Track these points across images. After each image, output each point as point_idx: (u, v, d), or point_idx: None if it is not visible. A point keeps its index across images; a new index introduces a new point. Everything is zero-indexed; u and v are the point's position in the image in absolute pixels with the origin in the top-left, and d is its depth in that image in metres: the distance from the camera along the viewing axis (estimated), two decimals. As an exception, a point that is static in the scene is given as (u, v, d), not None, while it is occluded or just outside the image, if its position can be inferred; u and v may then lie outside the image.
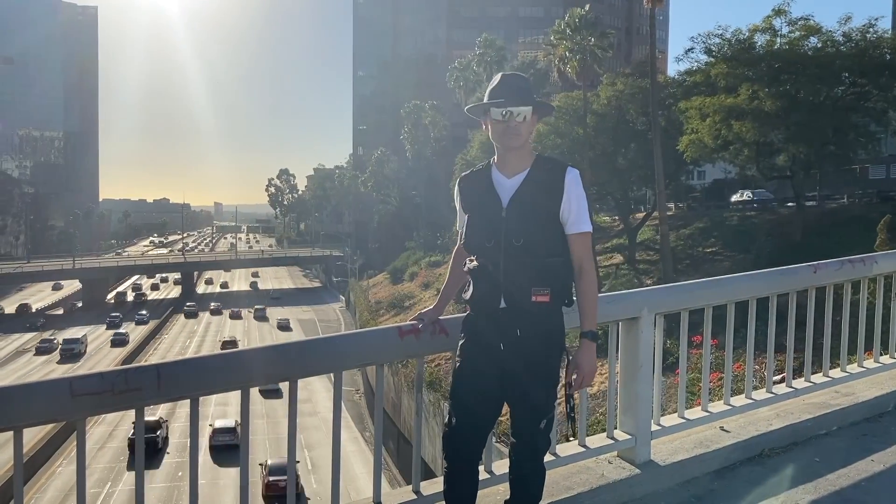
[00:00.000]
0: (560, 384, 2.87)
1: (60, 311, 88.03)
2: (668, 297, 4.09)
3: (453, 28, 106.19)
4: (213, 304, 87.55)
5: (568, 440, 3.78)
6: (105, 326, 73.62)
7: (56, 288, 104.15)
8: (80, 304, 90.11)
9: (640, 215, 43.11)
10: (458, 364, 2.91)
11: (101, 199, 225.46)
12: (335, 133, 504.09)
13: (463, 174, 3.05)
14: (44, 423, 2.71)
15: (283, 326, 72.20)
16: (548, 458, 3.22)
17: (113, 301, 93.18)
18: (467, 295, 2.85)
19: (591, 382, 2.86)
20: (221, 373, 2.82)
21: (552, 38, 39.78)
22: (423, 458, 3.20)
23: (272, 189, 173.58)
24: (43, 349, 60.92)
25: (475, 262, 2.81)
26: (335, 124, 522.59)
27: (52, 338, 63.82)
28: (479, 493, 3.00)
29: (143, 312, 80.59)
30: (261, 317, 78.19)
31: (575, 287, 2.85)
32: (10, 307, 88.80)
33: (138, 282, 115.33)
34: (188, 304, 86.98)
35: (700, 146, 31.07)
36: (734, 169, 44.26)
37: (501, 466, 3.34)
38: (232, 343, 56.25)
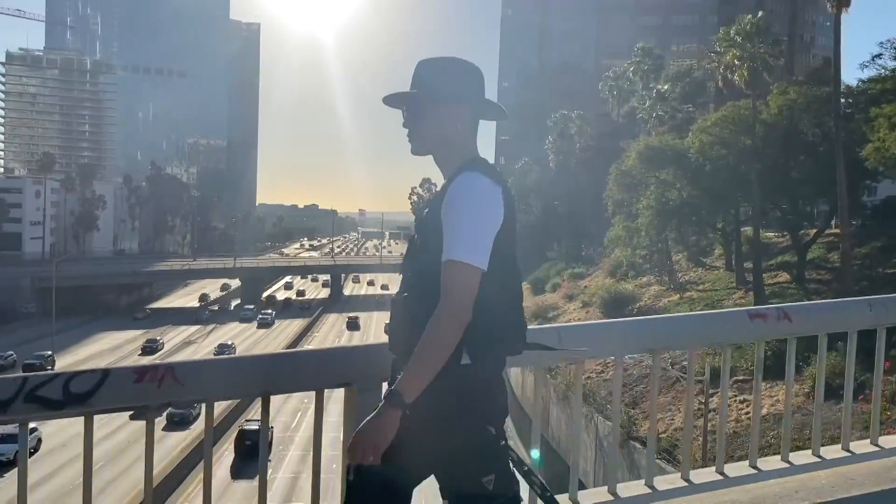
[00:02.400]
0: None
1: (225, 307, 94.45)
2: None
3: (603, 37, 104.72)
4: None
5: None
6: (255, 324, 78.23)
7: (224, 289, 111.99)
8: (236, 302, 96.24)
9: (811, 231, 40.56)
10: None
11: (257, 204, 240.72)
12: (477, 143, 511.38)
13: None
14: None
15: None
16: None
17: (264, 300, 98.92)
18: None
19: (359, 457, 1.94)
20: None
21: (717, 45, 38.29)
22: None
23: (414, 197, 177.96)
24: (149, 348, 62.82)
25: None
26: (478, 134, 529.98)
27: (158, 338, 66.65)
28: None
29: (269, 311, 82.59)
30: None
31: None
32: (176, 301, 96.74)
33: (290, 281, 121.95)
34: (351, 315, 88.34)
35: (886, 155, 28.85)
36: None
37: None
38: None
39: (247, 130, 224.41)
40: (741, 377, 24.81)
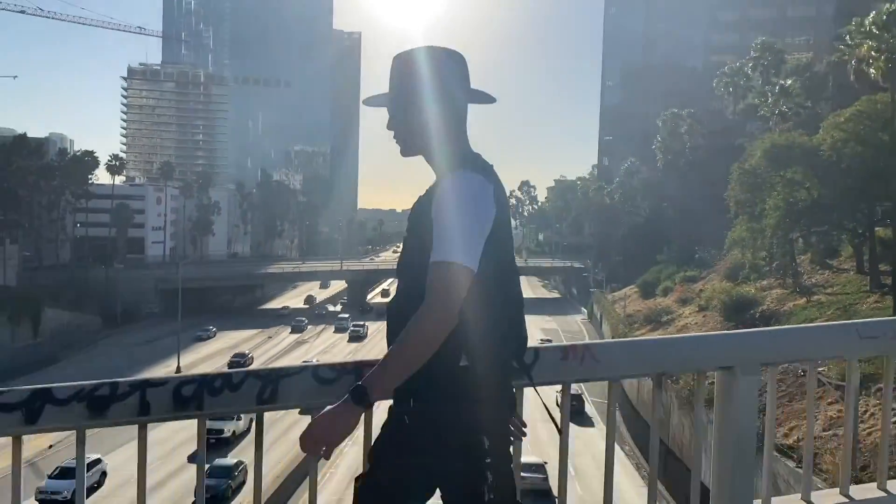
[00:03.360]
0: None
1: (337, 308, 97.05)
2: None
3: (712, 33, 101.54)
4: None
5: None
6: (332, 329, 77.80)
7: (323, 286, 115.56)
8: (331, 307, 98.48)
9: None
10: None
11: (357, 208, 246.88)
12: (576, 144, 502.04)
13: None
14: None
15: None
16: None
17: (367, 303, 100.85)
18: None
19: (307, 448, 1.83)
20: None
21: (848, 38, 36.41)
22: (703, 482, 2.77)
23: (513, 200, 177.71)
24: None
25: None
26: (577, 136, 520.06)
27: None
28: None
29: (361, 324, 77.97)
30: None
31: None
32: (286, 302, 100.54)
33: (386, 289, 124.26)
34: None
35: None
36: None
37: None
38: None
39: (348, 137, 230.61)
40: None
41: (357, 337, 73.74)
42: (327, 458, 1.85)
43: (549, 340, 74.63)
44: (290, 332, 76.37)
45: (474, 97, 2.09)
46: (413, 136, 2.04)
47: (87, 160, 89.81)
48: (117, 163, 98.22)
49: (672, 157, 79.72)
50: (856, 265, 39.95)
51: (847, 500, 3.04)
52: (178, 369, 57.14)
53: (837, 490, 3.12)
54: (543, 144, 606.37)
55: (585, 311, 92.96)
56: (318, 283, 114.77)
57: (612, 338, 59.71)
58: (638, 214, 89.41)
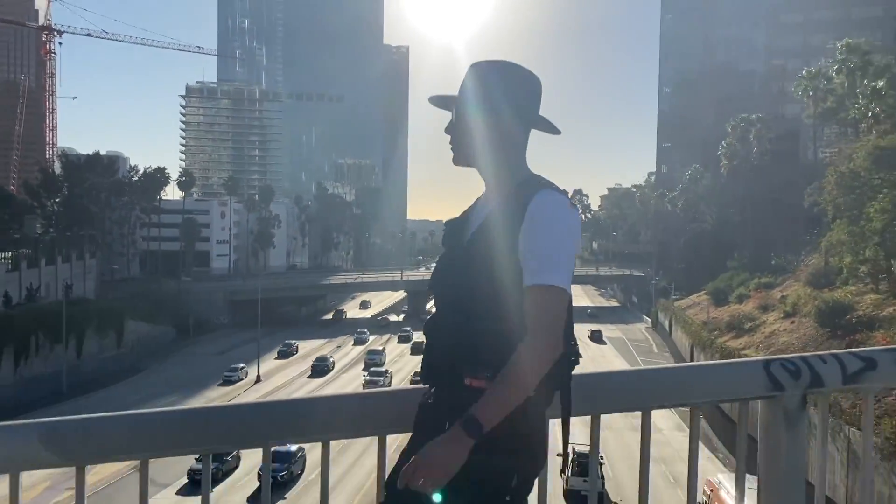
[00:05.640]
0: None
1: (398, 318, 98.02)
2: None
3: (774, 36, 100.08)
4: None
5: None
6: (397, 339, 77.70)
7: (363, 306, 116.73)
8: (392, 316, 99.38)
9: None
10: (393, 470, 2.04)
11: (407, 219, 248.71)
12: (629, 152, 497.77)
13: None
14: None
15: (597, 338, 73.92)
16: None
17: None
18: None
19: (423, 483, 1.72)
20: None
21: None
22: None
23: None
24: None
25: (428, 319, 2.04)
26: (630, 144, 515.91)
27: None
28: None
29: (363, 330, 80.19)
30: (597, 338, 75.08)
31: None
32: (349, 312, 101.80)
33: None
34: None
35: None
36: None
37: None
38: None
39: (397, 149, 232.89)
40: None
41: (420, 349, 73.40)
42: (434, 490, 1.72)
43: (599, 332, 74.46)
44: (353, 345, 76.01)
45: (540, 123, 2.03)
46: (471, 147, 1.99)
47: (159, 177, 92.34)
48: (187, 179, 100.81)
49: (738, 163, 78.67)
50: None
51: None
52: (258, 378, 58.27)
53: None
54: (595, 153, 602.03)
55: (648, 319, 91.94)
56: (373, 293, 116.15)
57: (691, 345, 59.06)
58: (703, 221, 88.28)
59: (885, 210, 33.76)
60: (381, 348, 69.21)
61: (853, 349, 2.60)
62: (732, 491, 23.21)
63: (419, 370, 2.12)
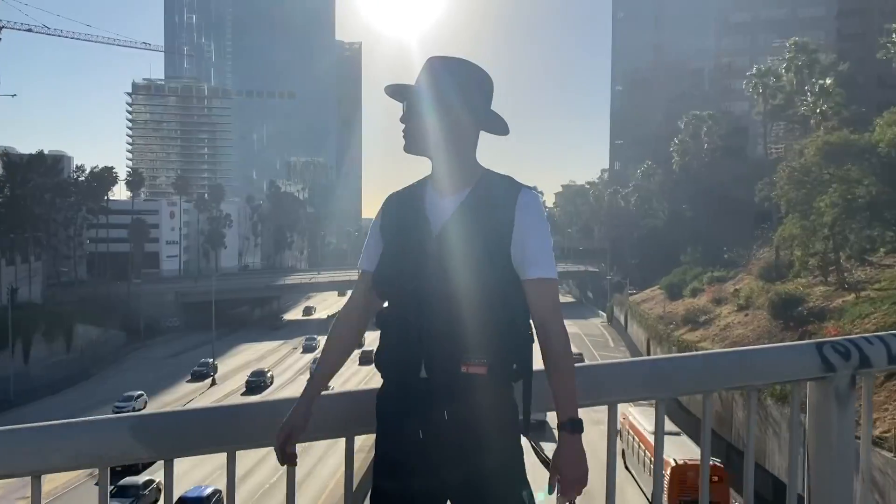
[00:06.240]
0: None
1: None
2: None
3: (722, 36, 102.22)
4: None
5: None
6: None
7: (342, 294, 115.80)
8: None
9: None
10: (376, 462, 2.08)
11: (362, 217, 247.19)
12: (584, 149, 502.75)
13: (393, 192, 2.21)
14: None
15: None
16: None
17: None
18: (379, 357, 2.07)
19: (580, 491, 1.93)
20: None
21: (894, 35, 36.81)
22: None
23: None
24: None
25: (388, 311, 2.07)
26: (584, 141, 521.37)
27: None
28: None
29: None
30: None
31: (542, 357, 2.00)
32: (301, 313, 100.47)
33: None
34: None
35: None
36: None
37: None
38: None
39: (352, 147, 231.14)
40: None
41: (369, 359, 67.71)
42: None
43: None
44: (301, 353, 71.12)
45: (490, 120, 2.09)
46: (423, 138, 2.05)
47: (106, 177, 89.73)
48: (135, 178, 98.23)
49: (689, 159, 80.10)
50: (902, 260, 40.08)
51: None
52: (213, 382, 57.09)
53: None
54: (549, 150, 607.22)
55: (604, 314, 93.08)
56: (319, 295, 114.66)
57: (648, 339, 59.86)
58: (656, 217, 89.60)
59: (835, 204, 34.71)
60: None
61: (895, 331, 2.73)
62: (641, 420, 29.20)
63: (378, 359, 2.08)
